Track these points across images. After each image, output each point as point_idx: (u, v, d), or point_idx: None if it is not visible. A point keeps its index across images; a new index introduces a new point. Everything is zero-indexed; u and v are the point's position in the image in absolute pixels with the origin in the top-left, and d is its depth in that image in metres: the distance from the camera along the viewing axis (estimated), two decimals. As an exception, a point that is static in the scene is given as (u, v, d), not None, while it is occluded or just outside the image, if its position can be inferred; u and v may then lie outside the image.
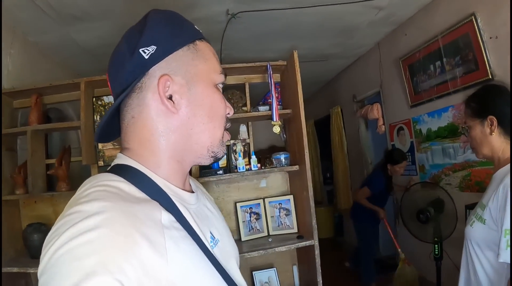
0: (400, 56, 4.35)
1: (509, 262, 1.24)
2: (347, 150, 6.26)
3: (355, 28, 4.33)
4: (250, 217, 2.88)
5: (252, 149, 2.95)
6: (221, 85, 0.81)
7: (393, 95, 4.71)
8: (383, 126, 4.95)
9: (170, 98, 0.73)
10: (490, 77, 3.21)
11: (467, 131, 1.54)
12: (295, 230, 2.88)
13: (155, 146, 0.74)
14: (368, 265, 4.34)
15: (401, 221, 4.58)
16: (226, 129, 0.82)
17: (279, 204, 2.95)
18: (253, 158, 2.71)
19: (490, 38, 3.19)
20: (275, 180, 3.03)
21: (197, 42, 0.77)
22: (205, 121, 0.76)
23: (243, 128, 2.98)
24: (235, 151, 2.83)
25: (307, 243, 2.55)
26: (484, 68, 3.25)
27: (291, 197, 2.95)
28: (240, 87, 2.98)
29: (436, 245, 3.35)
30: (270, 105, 2.72)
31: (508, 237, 1.24)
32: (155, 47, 0.72)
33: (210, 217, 0.86)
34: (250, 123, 3.03)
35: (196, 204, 0.81)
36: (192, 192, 0.83)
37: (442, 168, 3.93)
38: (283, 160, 2.76)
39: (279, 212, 2.94)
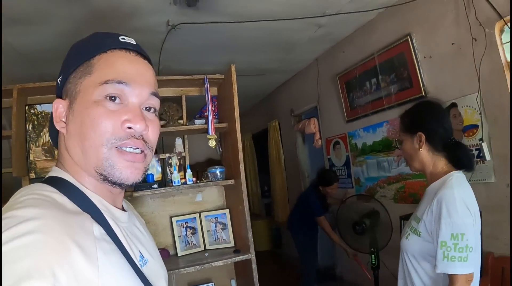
0: (338, 73, 4.39)
1: (446, 272, 1.26)
2: (285, 163, 6.21)
3: (294, 44, 4.31)
4: (186, 231, 2.75)
5: (187, 162, 2.82)
6: (109, 99, 0.71)
7: (330, 110, 4.74)
8: (320, 140, 4.94)
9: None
10: (423, 94, 3.30)
11: (400, 145, 1.57)
12: (232, 244, 2.79)
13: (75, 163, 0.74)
14: (309, 277, 4.23)
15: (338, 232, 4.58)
16: (135, 149, 0.72)
17: (215, 218, 2.86)
18: (188, 172, 2.59)
19: (424, 57, 3.29)
20: (211, 194, 2.94)
21: (96, 57, 0.72)
22: (77, 140, 0.71)
23: (178, 141, 2.86)
24: (170, 165, 2.70)
25: (244, 257, 2.47)
26: (418, 85, 3.33)
27: (227, 211, 2.87)
28: (177, 100, 2.88)
29: (373, 255, 3.32)
30: (206, 118, 2.65)
31: (444, 248, 1.25)
32: (61, 74, 0.76)
33: (140, 238, 0.83)
34: (186, 136, 2.92)
35: (127, 223, 0.80)
36: (124, 210, 0.81)
37: (377, 181, 3.96)
38: (219, 174, 2.67)
39: (216, 226, 2.84)
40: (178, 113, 2.81)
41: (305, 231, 4.19)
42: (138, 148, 0.71)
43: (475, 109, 2.88)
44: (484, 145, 2.79)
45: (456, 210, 1.27)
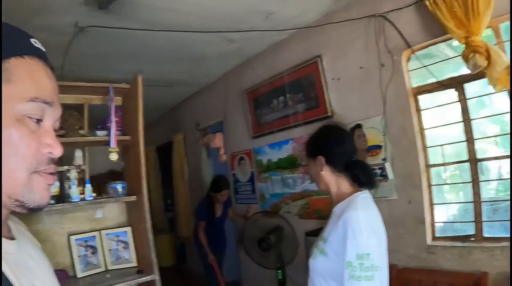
0: (246, 89, 4.31)
1: None
2: (189, 177, 5.89)
3: (204, 57, 4.14)
4: (86, 251, 2.47)
5: (87, 176, 2.54)
6: (34, 118, 0.62)
7: (236, 126, 4.63)
8: (224, 155, 4.78)
9: None
10: (330, 114, 3.37)
11: (307, 168, 1.62)
12: (135, 263, 2.56)
13: None
14: None
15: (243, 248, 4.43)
16: (50, 172, 0.65)
17: (116, 236, 2.60)
18: (88, 187, 2.33)
19: (332, 79, 3.36)
20: (112, 211, 2.68)
21: (12, 60, 0.60)
22: None
23: (78, 153, 2.52)
24: (68, 179, 2.36)
25: (148, 278, 2.30)
26: (324, 105, 3.38)
27: (128, 228, 2.64)
28: (79, 108, 2.60)
29: (279, 271, 3.25)
30: (109, 130, 2.43)
31: (350, 269, 1.25)
32: None
33: (33, 268, 0.71)
34: (86, 148, 2.62)
35: (15, 254, 0.67)
36: (12, 238, 0.68)
37: (282, 197, 3.92)
38: (120, 189, 2.46)
39: (117, 245, 2.58)
40: (79, 123, 2.48)
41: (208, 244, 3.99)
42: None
43: (379, 130, 2.99)
44: (387, 165, 2.90)
45: (361, 231, 1.27)
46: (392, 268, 2.69)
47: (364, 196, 1.42)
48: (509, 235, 2.37)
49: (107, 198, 2.39)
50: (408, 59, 2.87)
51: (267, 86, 3.99)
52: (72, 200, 2.22)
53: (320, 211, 3.50)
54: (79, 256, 2.42)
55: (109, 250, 2.52)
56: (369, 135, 3.07)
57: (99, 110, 2.69)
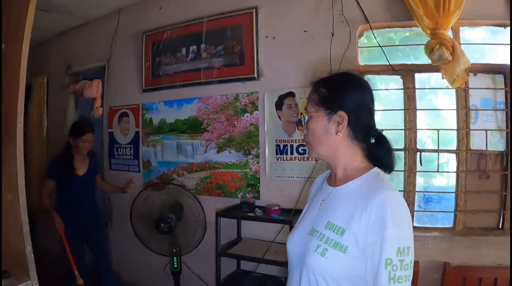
0: (145, 30, 3.20)
1: None
2: (48, 132, 4.24)
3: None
4: None
5: None
6: None
7: (122, 74, 3.47)
8: (101, 108, 3.52)
9: None
10: (255, 75, 2.65)
11: (305, 119, 1.10)
12: None
13: None
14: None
15: (115, 226, 3.32)
16: None
17: None
18: None
19: (266, 37, 2.66)
20: None
21: None
22: None
23: None
24: None
25: None
26: (251, 65, 2.67)
27: None
28: None
29: (175, 258, 2.50)
30: None
31: (390, 268, 0.87)
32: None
33: None
34: None
35: None
36: None
37: (174, 167, 3.00)
38: None
39: None
40: None
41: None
42: None
43: None
44: None
45: (402, 218, 0.91)
46: None
47: (386, 174, 1.04)
48: (438, 226, 2.35)
49: None
50: (360, 35, 2.44)
51: (176, 31, 3.00)
52: None
53: (225, 187, 2.74)
54: None
55: None
56: (302, 107, 2.45)
57: None
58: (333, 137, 1.03)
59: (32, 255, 1.47)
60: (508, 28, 2.16)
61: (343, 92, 1.05)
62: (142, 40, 3.21)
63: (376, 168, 1.04)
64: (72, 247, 2.64)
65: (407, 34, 2.46)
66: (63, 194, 2.82)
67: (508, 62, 2.12)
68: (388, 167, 1.05)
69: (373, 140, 1.05)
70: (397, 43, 2.47)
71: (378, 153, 1.04)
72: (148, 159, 3.18)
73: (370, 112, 1.07)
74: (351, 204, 0.99)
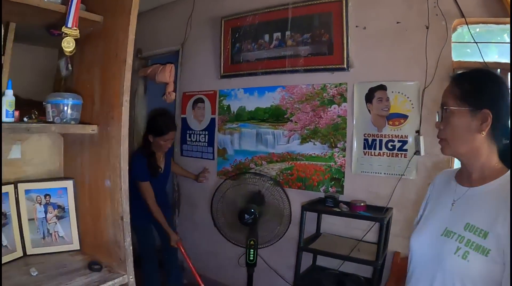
0: (225, 15, 3.47)
1: None
2: None
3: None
4: None
5: (7, 76, 1.58)
6: None
7: (198, 59, 3.77)
8: (174, 93, 3.81)
9: None
10: (345, 66, 2.81)
11: (444, 115, 1.16)
12: (76, 246, 1.71)
13: None
14: (149, 274, 3.01)
15: (183, 213, 3.64)
16: None
17: (46, 195, 1.68)
18: (9, 97, 1.37)
19: (357, 26, 2.80)
20: (40, 149, 1.77)
21: None
22: None
23: None
24: None
25: (116, 281, 1.46)
26: (340, 55, 2.83)
27: (69, 183, 1.74)
28: None
29: (251, 250, 2.75)
30: None
31: None
32: None
33: None
34: (11, 25, 1.62)
35: None
36: None
37: (252, 156, 3.24)
38: (70, 111, 1.53)
39: (46, 212, 1.67)
40: None
41: (138, 213, 2.92)
42: None
43: (407, 98, 2.58)
44: (421, 139, 2.50)
45: None
46: (394, 255, 2.53)
47: None
48: None
49: (43, 123, 1.47)
50: (454, 29, 2.52)
51: (259, 17, 3.22)
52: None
53: (307, 180, 2.96)
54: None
55: (30, 219, 1.62)
56: (394, 101, 2.62)
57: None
58: (476, 136, 1.09)
59: (131, 248, 1.53)
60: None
61: (489, 89, 1.10)
62: (221, 25, 3.47)
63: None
64: (146, 237, 2.96)
65: (499, 32, 2.49)
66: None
67: None
68: None
69: (507, 141, 1.11)
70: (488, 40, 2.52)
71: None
72: (223, 147, 3.46)
73: (509, 112, 1.11)
74: (493, 205, 1.04)
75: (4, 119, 1.33)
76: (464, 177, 1.17)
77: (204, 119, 3.64)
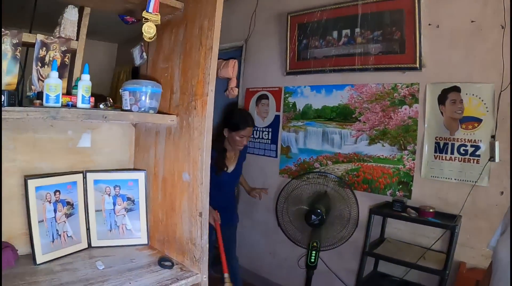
0: (290, 11, 3.77)
1: None
2: None
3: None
4: (56, 210, 1.58)
5: (80, 63, 1.73)
6: None
7: (263, 55, 4.12)
8: (237, 89, 4.15)
9: None
10: (417, 65, 3.00)
11: None
12: (144, 240, 1.80)
13: None
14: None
15: (242, 212, 3.96)
16: None
17: (116, 186, 1.78)
18: (85, 81, 1.40)
19: (429, 25, 2.98)
20: (111, 138, 1.86)
21: None
22: None
23: (71, 15, 1.64)
24: (42, 60, 1.52)
25: (190, 280, 1.49)
26: (412, 54, 3.02)
27: (141, 175, 1.83)
28: None
29: (314, 252, 2.99)
30: None
31: None
32: None
33: None
34: (86, 10, 1.74)
35: None
36: None
37: (317, 155, 3.51)
38: (147, 99, 1.56)
39: (115, 203, 1.77)
40: None
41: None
42: None
43: (482, 101, 2.72)
44: (497, 145, 2.63)
45: None
46: (460, 265, 2.66)
47: None
48: None
49: (122, 111, 1.53)
50: None
51: (327, 13, 3.49)
52: (46, 104, 1.29)
53: (373, 182, 3.21)
54: (41, 221, 1.52)
55: (97, 210, 1.73)
56: (468, 104, 2.78)
57: None
58: None
59: (207, 246, 1.53)
60: None
61: None
62: (287, 21, 3.77)
63: None
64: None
65: None
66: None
67: None
68: None
69: None
70: None
71: None
72: (287, 145, 3.78)
73: None
74: None
75: (79, 105, 1.37)
76: None
77: (267, 116, 3.97)
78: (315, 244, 2.93)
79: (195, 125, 1.55)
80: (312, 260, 2.95)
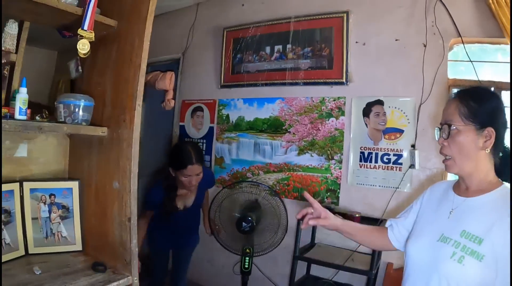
0: (226, 26, 3.68)
1: None
2: None
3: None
4: None
5: (18, 74, 1.73)
6: None
7: (199, 68, 3.97)
8: (173, 101, 3.95)
9: None
10: (344, 80, 3.01)
11: (450, 133, 1.22)
12: (79, 247, 1.76)
13: None
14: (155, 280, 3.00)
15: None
16: None
17: (51, 195, 1.74)
18: (22, 94, 1.41)
19: (357, 42, 3.03)
20: (46, 148, 1.86)
21: None
22: None
23: (12, 29, 1.64)
24: None
25: (121, 281, 1.51)
26: (340, 69, 3.04)
27: (75, 184, 1.80)
28: None
29: (247, 258, 2.84)
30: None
31: None
32: None
33: None
34: (26, 24, 1.75)
35: None
36: None
37: (249, 166, 3.39)
38: (81, 112, 1.59)
39: (50, 211, 1.73)
40: None
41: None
42: None
43: (404, 113, 2.78)
44: (417, 153, 2.68)
45: None
46: (387, 266, 2.70)
47: None
48: None
49: (57, 123, 1.52)
50: (450, 48, 2.73)
51: (261, 29, 3.44)
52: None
53: (302, 191, 3.14)
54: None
55: (33, 218, 1.67)
56: (391, 116, 2.82)
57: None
58: (480, 153, 1.19)
59: (137, 249, 1.56)
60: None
61: (491, 107, 1.20)
62: (223, 36, 3.68)
63: (506, 183, 1.21)
64: (160, 262, 2.93)
65: (494, 51, 2.70)
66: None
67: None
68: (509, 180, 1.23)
69: (501, 154, 1.22)
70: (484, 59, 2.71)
71: (505, 168, 1.21)
72: (221, 156, 3.64)
73: (505, 128, 1.22)
74: (488, 215, 1.15)
75: (17, 116, 1.36)
76: (461, 189, 1.28)
77: (202, 128, 3.81)
78: (248, 250, 2.80)
79: (124, 137, 1.58)
80: (246, 266, 2.82)
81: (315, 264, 2.81)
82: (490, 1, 2.42)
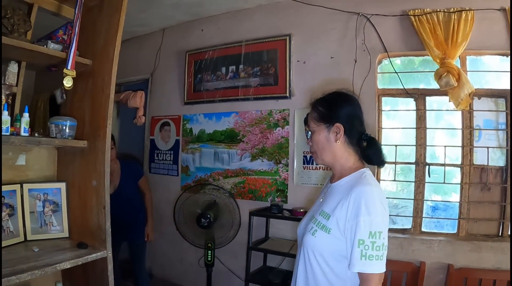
0: (188, 49, 3.87)
1: (363, 271, 1.18)
2: None
3: (149, 4, 3.55)
4: (1, 211, 1.84)
5: (19, 101, 2.00)
6: None
7: (165, 88, 4.15)
8: (144, 117, 4.16)
9: None
10: (288, 95, 3.24)
11: (310, 135, 1.40)
12: (66, 234, 2.06)
13: None
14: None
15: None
16: None
17: (44, 194, 2.04)
18: (26, 118, 1.78)
19: (297, 61, 3.26)
20: (39, 158, 2.13)
21: None
22: None
23: (13, 68, 1.93)
24: None
25: (98, 254, 1.85)
26: (284, 85, 3.26)
27: (62, 185, 2.11)
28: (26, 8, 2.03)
29: (209, 251, 3.05)
30: (64, 44, 1.94)
31: (362, 247, 1.17)
32: None
33: None
34: (23, 64, 2.02)
35: None
36: None
37: (210, 172, 3.59)
38: (67, 130, 1.94)
39: (44, 206, 2.03)
40: (25, 25, 1.85)
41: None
42: None
43: None
44: None
45: (375, 208, 1.20)
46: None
47: (370, 173, 1.34)
48: (444, 231, 2.84)
49: (50, 138, 1.87)
50: (379, 62, 2.99)
51: (217, 52, 3.63)
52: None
53: (257, 192, 3.34)
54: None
55: (31, 212, 1.96)
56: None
57: (43, 20, 2.10)
58: (333, 145, 1.33)
59: (110, 230, 1.89)
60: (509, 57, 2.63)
61: (337, 107, 1.35)
62: (185, 58, 3.87)
63: (364, 168, 1.34)
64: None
65: (420, 62, 3.00)
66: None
67: (509, 88, 2.59)
68: (380, 163, 1.37)
69: (365, 143, 1.34)
70: (410, 70, 3.01)
71: (370, 153, 1.33)
72: (186, 165, 3.82)
73: (361, 120, 1.36)
74: (338, 196, 1.29)
75: (22, 133, 1.72)
76: (332, 177, 1.43)
77: (170, 140, 3.98)
78: (209, 244, 2.97)
79: (99, 147, 1.93)
80: (209, 259, 2.99)
81: (266, 253, 3.04)
82: (413, 19, 2.70)
